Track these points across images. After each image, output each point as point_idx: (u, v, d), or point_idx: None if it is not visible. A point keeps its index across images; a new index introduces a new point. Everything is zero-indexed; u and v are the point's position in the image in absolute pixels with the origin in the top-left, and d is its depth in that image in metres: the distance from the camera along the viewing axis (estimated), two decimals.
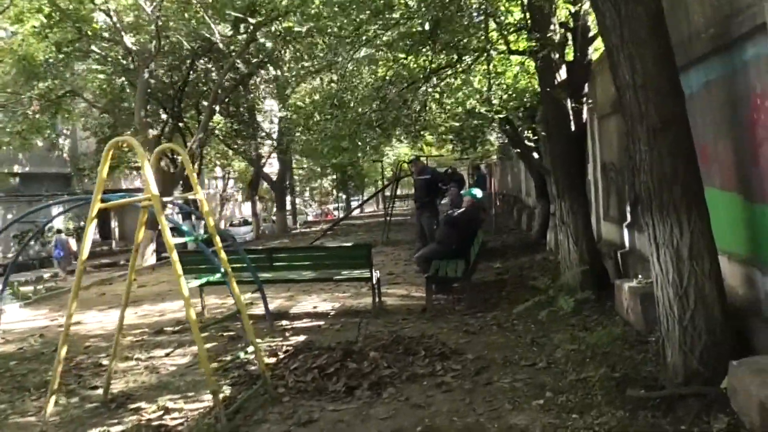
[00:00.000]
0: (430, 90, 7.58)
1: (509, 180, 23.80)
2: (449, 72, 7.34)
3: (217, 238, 4.61)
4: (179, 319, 7.88)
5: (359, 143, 8.11)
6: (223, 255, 4.58)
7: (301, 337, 6.39)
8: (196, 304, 8.05)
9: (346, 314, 7.49)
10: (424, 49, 6.67)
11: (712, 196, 4.41)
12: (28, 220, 17.24)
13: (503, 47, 7.04)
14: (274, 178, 26.29)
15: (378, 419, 4.10)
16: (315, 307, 8.09)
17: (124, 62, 15.94)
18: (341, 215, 28.20)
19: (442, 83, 7.68)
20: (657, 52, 3.53)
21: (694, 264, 3.54)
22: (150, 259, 15.98)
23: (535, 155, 7.30)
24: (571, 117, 6.70)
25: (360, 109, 7.63)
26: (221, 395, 4.76)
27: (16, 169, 25.98)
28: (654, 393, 3.68)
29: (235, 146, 22.71)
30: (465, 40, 7.04)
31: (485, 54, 7.04)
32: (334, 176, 33.14)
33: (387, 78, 7.31)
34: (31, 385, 5.48)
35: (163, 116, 18.08)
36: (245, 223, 32.23)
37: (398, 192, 17.53)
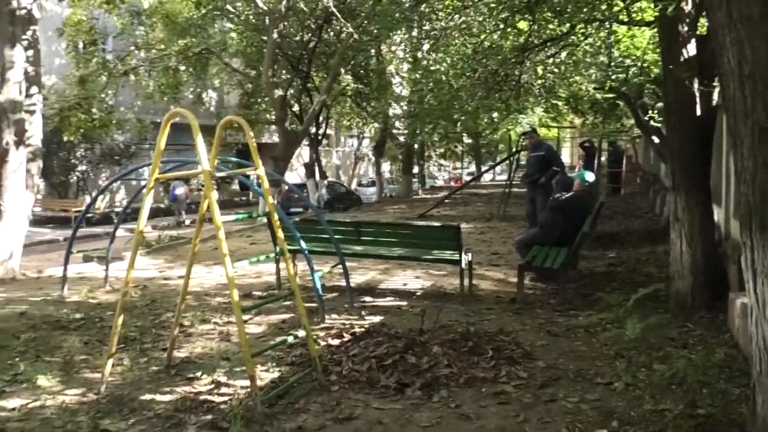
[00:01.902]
0: (529, 65, 6.90)
1: (651, 157, 22.05)
2: (561, 44, 6.63)
3: (275, 216, 4.45)
4: (271, 284, 7.99)
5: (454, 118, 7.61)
6: (280, 234, 4.43)
7: (377, 318, 6.19)
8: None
9: (433, 296, 7.20)
10: (524, 19, 6.02)
11: None
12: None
13: (624, 17, 6.24)
14: None
15: (418, 426, 3.80)
16: (405, 285, 7.87)
17: (255, 21, 16.30)
18: (473, 181, 27.50)
19: (551, 58, 6.96)
20: None
21: None
22: None
23: (655, 139, 6.48)
24: (698, 100, 5.84)
25: (452, 83, 7.13)
26: (274, 375, 4.72)
27: None
28: None
29: (365, 107, 22.76)
30: (584, 10, 6.29)
31: (604, 24, 6.26)
32: (466, 142, 32.44)
33: (479, 50, 6.71)
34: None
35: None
36: (374, 183, 32.53)
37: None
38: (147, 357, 5.25)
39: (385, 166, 37.48)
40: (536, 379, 4.46)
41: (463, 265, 6.90)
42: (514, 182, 16.16)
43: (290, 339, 4.58)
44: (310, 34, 17.30)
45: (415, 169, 29.31)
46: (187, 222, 19.08)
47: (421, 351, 4.86)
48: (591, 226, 7.49)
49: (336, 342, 5.36)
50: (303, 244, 6.26)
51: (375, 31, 13.41)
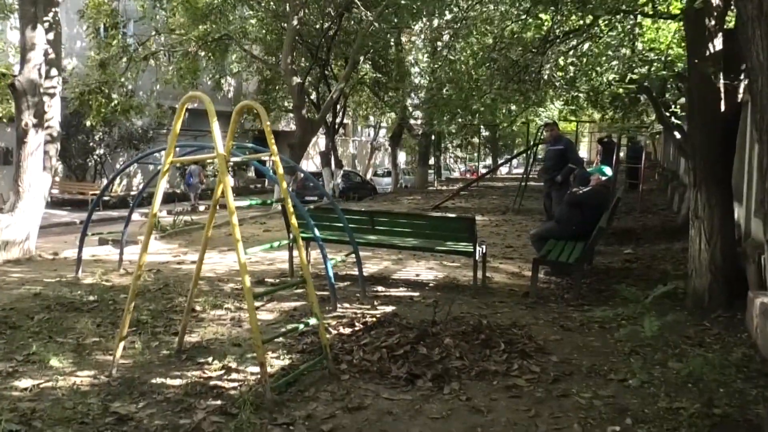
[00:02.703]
0: (551, 56, 6.78)
1: (670, 153, 21.82)
2: (584, 36, 6.52)
3: (290, 203, 4.42)
4: (284, 271, 7.98)
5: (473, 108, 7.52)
6: (293, 221, 4.40)
7: (389, 308, 6.16)
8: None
9: (446, 287, 7.16)
10: (546, 10, 5.91)
11: None
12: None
13: (650, 9, 6.11)
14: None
15: (428, 418, 3.77)
16: (418, 275, 7.83)
17: (275, 8, 16.25)
18: (489, 174, 27.38)
19: (571, 50, 6.84)
20: None
21: None
22: None
23: (677, 134, 6.36)
24: (722, 96, 5.72)
25: (471, 73, 7.03)
26: (284, 362, 4.70)
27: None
28: None
29: (383, 97, 22.66)
30: (608, 1, 6.17)
31: (629, 16, 6.14)
32: (483, 134, 32.24)
33: (499, 40, 6.60)
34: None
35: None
36: (389, 174, 32.47)
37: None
38: (158, 341, 5.25)
39: (402, 157, 37.39)
40: (549, 373, 4.40)
41: (477, 258, 6.84)
42: (530, 175, 16.04)
43: (301, 327, 4.55)
44: (330, 22, 17.22)
45: (431, 161, 29.17)
46: (201, 208, 19.18)
47: (432, 342, 4.83)
48: (607, 221, 7.40)
49: (347, 331, 5.34)
50: (316, 231, 6.23)
51: (395, 18, 13.31)
